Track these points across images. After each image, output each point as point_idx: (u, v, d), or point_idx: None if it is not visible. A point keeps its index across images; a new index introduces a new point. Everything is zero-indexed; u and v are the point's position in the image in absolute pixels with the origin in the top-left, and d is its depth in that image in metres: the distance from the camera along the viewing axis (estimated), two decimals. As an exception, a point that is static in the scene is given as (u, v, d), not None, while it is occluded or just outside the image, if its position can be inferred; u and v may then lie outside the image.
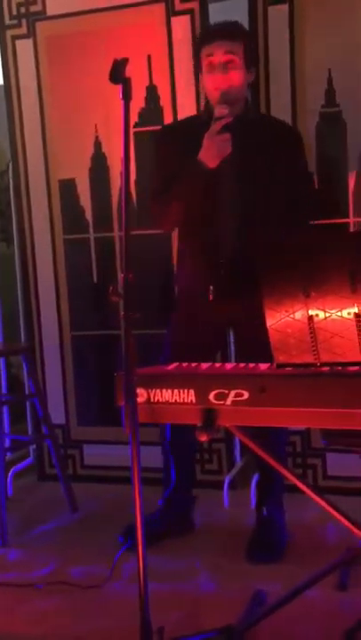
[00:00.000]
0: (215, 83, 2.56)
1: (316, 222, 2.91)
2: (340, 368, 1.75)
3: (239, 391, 1.78)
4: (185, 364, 2.03)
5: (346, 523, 2.00)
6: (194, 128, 2.60)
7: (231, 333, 2.94)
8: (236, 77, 2.57)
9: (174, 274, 2.95)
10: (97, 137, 3.36)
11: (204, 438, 1.81)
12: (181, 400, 1.84)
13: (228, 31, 2.59)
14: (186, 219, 2.63)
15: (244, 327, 2.68)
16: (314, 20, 3.01)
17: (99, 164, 3.38)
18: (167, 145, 2.69)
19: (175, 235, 3.00)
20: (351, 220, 3.05)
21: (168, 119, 3.22)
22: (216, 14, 3.15)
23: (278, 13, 3.05)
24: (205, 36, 2.66)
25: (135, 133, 3.24)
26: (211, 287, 2.59)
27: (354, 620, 2.04)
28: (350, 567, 2.38)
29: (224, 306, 2.60)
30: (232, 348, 3.01)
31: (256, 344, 2.53)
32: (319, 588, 2.19)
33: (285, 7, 3.03)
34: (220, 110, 2.49)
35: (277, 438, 2.73)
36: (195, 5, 3.14)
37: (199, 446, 3.30)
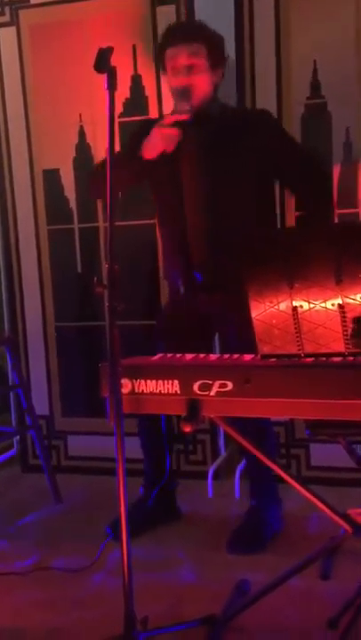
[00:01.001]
0: (177, 88, 2.55)
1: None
2: (324, 359, 1.76)
3: (223, 382, 1.78)
4: (169, 355, 2.03)
5: (329, 513, 2.02)
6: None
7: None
8: (200, 80, 2.55)
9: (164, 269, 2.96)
10: (81, 126, 3.34)
11: (188, 429, 1.81)
12: (166, 391, 1.83)
13: (190, 34, 2.58)
14: (159, 210, 2.64)
15: (223, 318, 2.68)
16: (300, 11, 3.01)
17: (83, 154, 3.36)
18: (139, 137, 2.68)
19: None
20: (336, 211, 3.05)
21: (153, 109, 3.21)
22: (202, 4, 3.15)
23: (264, 4, 3.04)
24: (168, 38, 2.61)
25: (120, 123, 3.23)
26: (180, 281, 2.60)
27: (337, 609, 2.06)
28: (333, 556, 2.41)
29: (195, 298, 2.61)
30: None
31: (237, 336, 2.58)
32: (302, 577, 2.21)
33: (271, -3, 3.03)
34: (180, 106, 2.48)
35: (266, 431, 2.73)
36: (180, -5, 3.13)
37: (183, 437, 3.31)
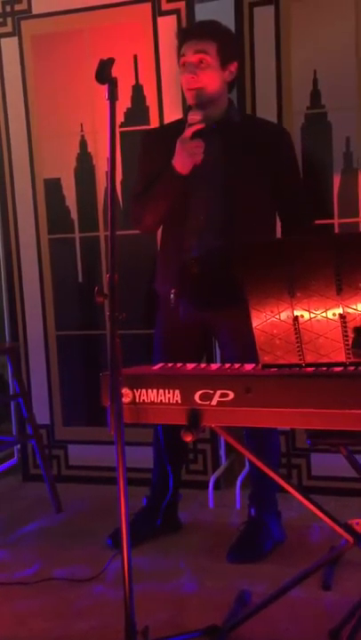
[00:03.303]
0: (186, 83, 2.54)
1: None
2: (324, 369, 1.76)
3: (224, 391, 1.78)
4: (170, 365, 2.03)
5: (330, 522, 2.01)
6: (177, 132, 2.56)
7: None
8: (208, 78, 2.51)
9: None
10: (82, 136, 3.35)
11: (189, 439, 1.80)
12: (167, 400, 1.83)
13: (198, 30, 2.57)
14: (165, 222, 2.64)
15: (220, 329, 2.68)
16: (300, 21, 3.02)
17: (84, 164, 3.37)
18: (150, 149, 2.68)
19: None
20: (336, 221, 3.06)
21: (154, 119, 3.22)
22: (202, 15, 3.16)
23: (264, 14, 3.05)
24: (179, 35, 2.62)
25: (121, 133, 3.24)
26: (172, 290, 2.59)
27: (338, 620, 2.05)
28: (334, 567, 2.40)
29: (188, 309, 2.60)
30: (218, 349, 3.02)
31: (235, 346, 2.59)
32: (304, 587, 2.20)
33: (271, 8, 3.04)
34: (192, 116, 2.46)
35: (269, 439, 2.73)
36: (181, 5, 3.14)
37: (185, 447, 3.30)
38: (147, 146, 2.71)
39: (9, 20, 3.40)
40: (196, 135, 2.44)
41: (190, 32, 2.59)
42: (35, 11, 3.36)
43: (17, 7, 3.38)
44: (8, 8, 3.39)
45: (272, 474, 2.06)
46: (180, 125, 2.62)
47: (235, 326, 2.52)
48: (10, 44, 3.41)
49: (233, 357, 2.48)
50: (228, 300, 2.36)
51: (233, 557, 2.60)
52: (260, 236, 2.56)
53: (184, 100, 3.13)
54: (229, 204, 2.54)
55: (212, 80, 2.52)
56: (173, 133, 2.58)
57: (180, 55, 2.56)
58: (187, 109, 2.62)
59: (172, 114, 3.04)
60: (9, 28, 3.40)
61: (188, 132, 2.44)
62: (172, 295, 2.59)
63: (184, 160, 2.45)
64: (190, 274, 2.56)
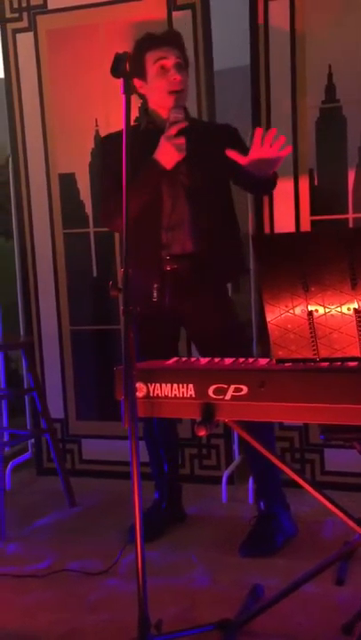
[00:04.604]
0: (171, 84, 2.57)
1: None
2: (339, 364, 1.76)
3: (238, 386, 1.78)
4: (184, 359, 2.04)
5: (344, 518, 2.00)
6: (135, 136, 2.60)
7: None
8: (186, 80, 2.62)
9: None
10: (97, 131, 3.35)
11: (202, 433, 1.81)
12: (181, 395, 1.84)
13: (173, 37, 2.67)
14: (137, 220, 2.65)
15: (194, 322, 2.72)
16: (315, 14, 3.01)
17: (99, 159, 3.37)
18: (113, 150, 2.67)
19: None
20: (351, 215, 3.05)
21: (168, 114, 3.21)
22: (217, 9, 3.16)
23: (279, 8, 3.04)
24: (153, 40, 2.63)
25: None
26: (155, 285, 2.61)
27: (351, 615, 2.05)
28: (348, 562, 2.40)
29: (169, 303, 2.62)
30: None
31: (209, 337, 2.66)
32: (317, 582, 2.20)
33: (286, 2, 3.03)
34: (175, 115, 2.52)
35: (268, 435, 2.73)
36: (196, 0, 3.13)
37: (198, 441, 3.31)
38: (111, 147, 2.70)
39: (24, 15, 3.40)
40: (179, 133, 2.49)
41: (165, 38, 2.64)
42: (50, 6, 3.36)
43: (33, 2, 3.38)
44: (24, 3, 3.40)
45: (286, 469, 2.06)
46: (135, 129, 2.66)
47: (209, 318, 2.66)
48: (25, 39, 3.41)
49: (206, 348, 2.61)
50: (203, 295, 2.58)
51: (245, 552, 2.60)
52: (222, 233, 2.65)
53: (199, 93, 3.14)
54: (192, 204, 2.61)
55: (187, 83, 2.63)
56: (131, 136, 2.61)
57: (149, 60, 2.58)
58: (142, 116, 2.69)
59: (188, 107, 3.03)
60: (25, 23, 3.41)
61: (174, 129, 2.49)
62: (154, 290, 2.62)
63: (171, 155, 2.50)
64: (167, 270, 2.61)
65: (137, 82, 2.63)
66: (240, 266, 2.79)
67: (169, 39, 2.63)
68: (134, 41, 2.66)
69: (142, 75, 2.61)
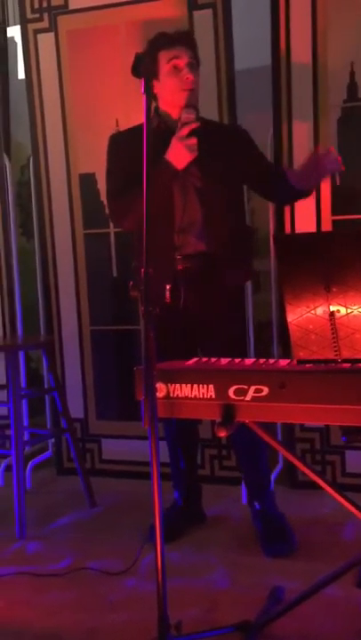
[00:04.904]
0: (184, 83, 2.57)
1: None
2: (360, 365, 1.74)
3: (259, 387, 1.77)
4: (205, 359, 2.03)
5: (365, 520, 1.99)
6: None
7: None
8: (197, 80, 2.61)
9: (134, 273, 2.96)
10: (117, 131, 3.35)
11: (223, 434, 1.80)
12: (201, 395, 1.83)
13: (185, 37, 2.65)
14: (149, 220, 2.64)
15: (204, 321, 2.71)
16: (336, 13, 2.99)
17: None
18: (122, 149, 2.69)
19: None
20: (372, 216, 3.03)
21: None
22: (238, 7, 3.15)
23: (301, 6, 3.02)
24: (167, 39, 2.62)
25: (156, 128, 3.23)
26: (168, 286, 2.60)
27: (372, 619, 2.04)
28: (369, 565, 2.37)
29: (183, 303, 2.62)
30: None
31: (221, 340, 2.66)
32: (338, 585, 2.18)
33: (308, 0, 3.01)
34: (187, 115, 2.52)
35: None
36: (217, -1, 3.13)
37: (218, 442, 3.30)
38: (119, 147, 2.73)
39: (45, 15, 3.41)
40: (190, 134, 2.49)
41: (180, 38, 2.63)
42: (71, 6, 3.37)
43: (53, 2, 3.40)
44: (45, 3, 3.41)
45: (307, 471, 2.04)
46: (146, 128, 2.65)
47: (221, 319, 2.67)
48: (46, 40, 3.43)
49: (214, 349, 2.56)
50: (215, 295, 2.61)
51: (271, 551, 2.60)
52: (233, 233, 2.65)
53: (220, 94, 3.13)
54: (204, 205, 2.61)
55: (198, 84, 2.63)
56: (140, 136, 2.61)
57: (163, 59, 2.58)
58: (155, 111, 2.66)
59: (207, 108, 3.03)
60: (45, 24, 3.42)
61: (185, 130, 2.49)
62: (167, 291, 2.61)
63: (182, 156, 2.50)
64: (180, 270, 2.61)
65: (155, 80, 2.63)
66: (250, 269, 2.79)
67: (182, 38, 2.62)
68: (147, 40, 2.65)
69: (155, 74, 2.60)
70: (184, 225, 2.62)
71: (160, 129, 2.62)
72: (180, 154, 2.50)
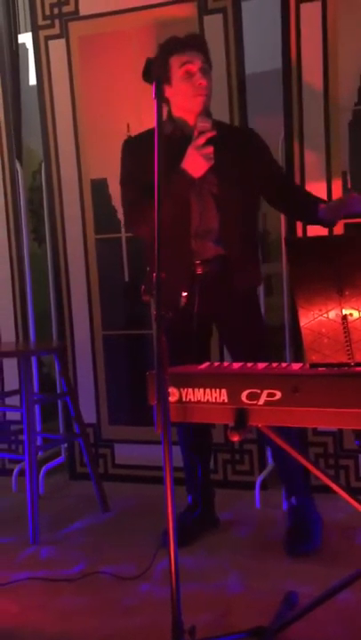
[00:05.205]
0: (197, 89, 2.56)
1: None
2: (374, 368, 1.73)
3: (272, 391, 1.76)
4: (217, 364, 2.03)
5: (379, 525, 1.98)
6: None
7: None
8: (210, 84, 2.60)
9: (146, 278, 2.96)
10: (129, 136, 3.36)
11: (236, 438, 1.80)
12: (213, 400, 1.83)
13: (198, 41, 2.65)
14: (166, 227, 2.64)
15: (225, 326, 2.75)
16: (347, 16, 2.98)
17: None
18: (136, 156, 2.69)
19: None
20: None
21: (200, 118, 3.20)
22: (249, 12, 3.15)
23: (311, 10, 3.02)
24: (179, 44, 2.62)
25: (167, 132, 3.23)
26: (184, 292, 2.60)
27: (387, 624, 2.02)
28: (384, 570, 2.36)
29: (198, 308, 2.61)
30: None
31: (241, 341, 2.70)
32: (352, 590, 2.17)
33: (318, 4, 3.01)
34: (203, 124, 2.51)
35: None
36: (228, 4, 3.13)
37: (231, 446, 3.30)
38: (132, 153, 2.72)
39: (56, 22, 3.43)
40: (206, 142, 2.49)
41: (193, 42, 2.63)
42: (82, 12, 3.39)
43: (65, 9, 3.41)
44: (56, 10, 3.42)
45: (321, 475, 2.04)
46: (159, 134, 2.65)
47: (240, 323, 2.71)
48: (58, 46, 3.44)
49: (237, 352, 2.65)
50: (233, 298, 2.62)
51: (290, 550, 2.60)
52: (247, 238, 2.68)
53: (231, 98, 3.13)
54: (221, 211, 2.62)
55: (211, 88, 2.62)
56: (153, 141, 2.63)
57: (175, 65, 2.57)
58: (169, 117, 2.65)
59: (219, 112, 3.03)
60: (56, 30, 3.44)
61: (202, 139, 2.48)
62: (182, 297, 2.61)
63: (199, 165, 2.50)
64: (197, 275, 2.62)
65: (167, 86, 2.63)
66: (260, 272, 2.81)
67: (194, 43, 2.62)
68: (158, 44, 2.65)
69: (167, 78, 2.60)
70: (201, 230, 2.63)
71: (175, 135, 2.62)
72: (196, 163, 2.50)
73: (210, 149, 2.49)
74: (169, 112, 2.68)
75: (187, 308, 2.61)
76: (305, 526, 2.68)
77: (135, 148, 2.73)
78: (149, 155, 2.58)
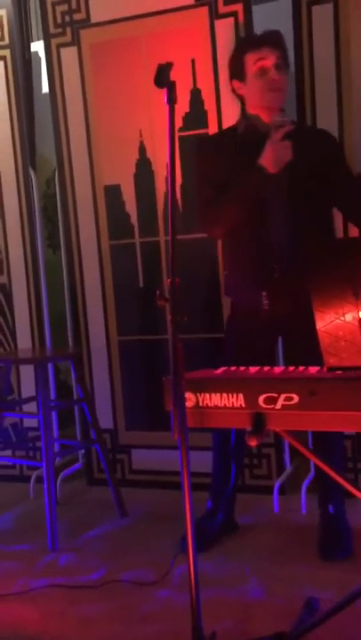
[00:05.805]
0: (270, 84, 2.56)
1: None
2: (392, 371, 1.72)
3: (289, 395, 1.76)
4: (233, 368, 2.02)
5: None
6: (232, 139, 2.62)
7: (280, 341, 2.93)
8: (286, 80, 2.59)
9: (223, 281, 2.95)
10: (142, 142, 3.37)
11: (253, 443, 1.79)
12: (230, 404, 1.82)
13: (274, 37, 2.62)
14: (237, 225, 2.63)
15: (296, 332, 2.66)
16: (359, 17, 2.97)
17: (144, 170, 3.39)
18: (209, 155, 2.70)
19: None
20: None
21: (212, 123, 3.21)
22: (260, 16, 3.14)
23: (323, 12, 3.01)
24: (253, 40, 2.64)
25: (180, 138, 3.23)
26: (263, 293, 2.59)
27: None
28: None
29: (278, 311, 2.61)
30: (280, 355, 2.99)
31: (308, 348, 2.57)
32: (373, 595, 2.15)
33: (330, 6, 3.00)
34: (280, 119, 2.52)
35: (335, 441, 2.73)
36: (238, 8, 3.13)
37: (248, 451, 3.28)
38: (206, 152, 2.73)
39: (68, 29, 3.44)
40: (285, 137, 2.49)
41: (269, 39, 2.61)
42: (93, 19, 3.39)
43: (76, 17, 3.42)
44: (67, 18, 3.44)
45: (339, 478, 2.03)
46: (233, 132, 2.70)
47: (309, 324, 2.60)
48: (69, 54, 3.45)
49: (300, 359, 2.51)
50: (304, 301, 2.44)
51: (328, 555, 2.60)
52: (323, 238, 2.61)
53: (243, 104, 3.13)
54: (296, 208, 2.59)
55: (287, 85, 2.61)
56: (229, 140, 2.66)
57: (249, 61, 2.58)
58: (242, 120, 2.66)
59: (231, 117, 3.03)
60: (68, 38, 3.45)
61: (280, 133, 2.49)
62: (263, 299, 2.60)
63: (277, 159, 2.49)
64: (276, 277, 2.59)
65: (235, 83, 2.66)
66: None
67: (269, 39, 2.61)
68: (235, 42, 2.67)
69: (242, 76, 2.61)
70: (276, 229, 2.59)
71: (248, 132, 2.61)
72: (275, 157, 2.49)
73: (288, 143, 2.48)
74: (243, 110, 2.68)
75: (265, 307, 2.60)
76: (341, 534, 2.67)
77: (209, 148, 2.73)
78: (223, 154, 2.60)
